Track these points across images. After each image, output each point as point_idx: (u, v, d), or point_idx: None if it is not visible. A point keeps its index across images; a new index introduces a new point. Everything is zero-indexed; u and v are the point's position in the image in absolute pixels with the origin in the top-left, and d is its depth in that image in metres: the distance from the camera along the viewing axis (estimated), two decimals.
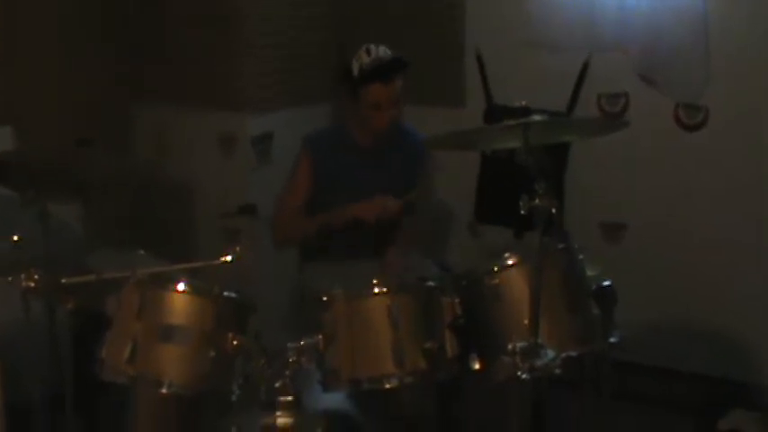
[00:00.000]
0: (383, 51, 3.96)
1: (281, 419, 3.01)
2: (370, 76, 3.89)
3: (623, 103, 4.90)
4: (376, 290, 3.20)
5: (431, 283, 3.29)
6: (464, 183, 4.83)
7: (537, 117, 3.16)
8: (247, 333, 3.20)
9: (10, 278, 2.99)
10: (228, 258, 3.15)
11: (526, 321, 3.03)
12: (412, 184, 4.05)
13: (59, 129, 4.53)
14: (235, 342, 3.11)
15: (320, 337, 3.10)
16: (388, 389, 3.12)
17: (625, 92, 4.87)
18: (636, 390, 4.59)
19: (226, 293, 3.23)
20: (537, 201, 2.94)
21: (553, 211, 2.94)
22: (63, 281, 3.05)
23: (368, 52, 3.95)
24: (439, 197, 4.90)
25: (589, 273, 3.32)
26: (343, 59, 4.05)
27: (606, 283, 3.36)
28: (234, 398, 3.10)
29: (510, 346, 2.97)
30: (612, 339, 3.25)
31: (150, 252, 3.46)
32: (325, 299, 3.21)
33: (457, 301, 3.27)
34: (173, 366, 3.12)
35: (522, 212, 2.93)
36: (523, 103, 3.85)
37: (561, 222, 3.05)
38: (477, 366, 3.20)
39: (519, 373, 2.92)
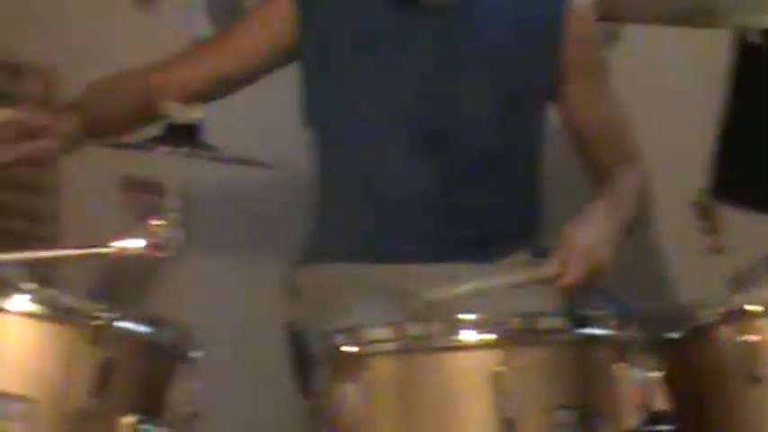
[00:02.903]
0: None
1: None
2: None
3: None
4: (473, 335, 1.67)
5: (593, 330, 1.71)
6: (674, 117, 2.69)
7: None
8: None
9: None
10: (136, 245, 1.70)
11: None
12: (521, 95, 2.13)
13: None
14: None
15: None
16: None
17: None
18: None
19: (123, 324, 1.64)
20: None
21: None
22: None
23: None
24: None
25: None
26: None
27: None
28: None
29: None
30: None
31: None
32: (347, 350, 1.70)
33: (655, 375, 1.75)
34: None
35: None
36: None
37: None
38: None
39: None
